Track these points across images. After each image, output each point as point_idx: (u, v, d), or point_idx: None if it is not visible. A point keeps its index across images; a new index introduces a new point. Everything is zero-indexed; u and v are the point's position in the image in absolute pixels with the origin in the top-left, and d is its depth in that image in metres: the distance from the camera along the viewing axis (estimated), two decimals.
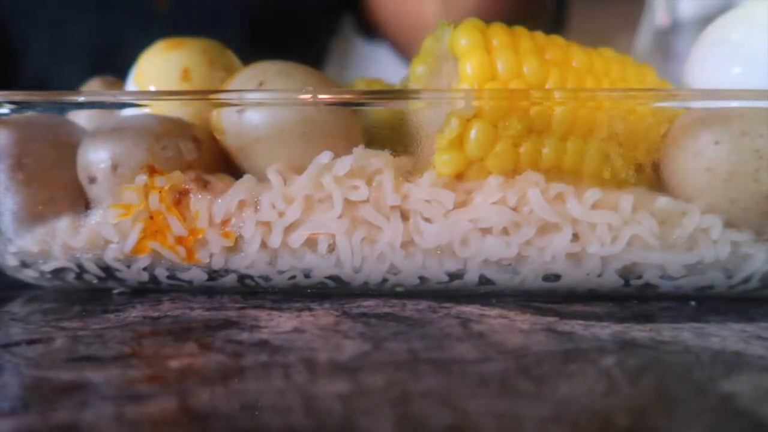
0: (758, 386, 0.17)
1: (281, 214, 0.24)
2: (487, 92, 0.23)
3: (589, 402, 0.16)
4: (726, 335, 0.21)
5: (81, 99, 0.26)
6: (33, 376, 0.18)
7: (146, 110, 0.26)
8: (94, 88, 0.34)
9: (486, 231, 0.24)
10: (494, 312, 0.24)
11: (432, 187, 0.24)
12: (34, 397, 0.16)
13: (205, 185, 0.25)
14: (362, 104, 0.25)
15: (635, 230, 0.24)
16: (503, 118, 0.23)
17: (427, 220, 0.24)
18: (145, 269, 0.26)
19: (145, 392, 0.16)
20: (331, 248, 0.25)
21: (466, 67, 0.23)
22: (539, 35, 0.26)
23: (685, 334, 0.21)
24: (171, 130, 0.25)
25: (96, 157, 0.25)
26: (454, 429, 0.15)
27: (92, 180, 0.25)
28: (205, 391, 0.16)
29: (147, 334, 0.21)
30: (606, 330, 0.22)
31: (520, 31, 0.25)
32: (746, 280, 0.24)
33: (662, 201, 0.24)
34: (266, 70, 0.27)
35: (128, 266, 0.26)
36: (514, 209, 0.24)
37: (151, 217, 0.25)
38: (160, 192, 0.24)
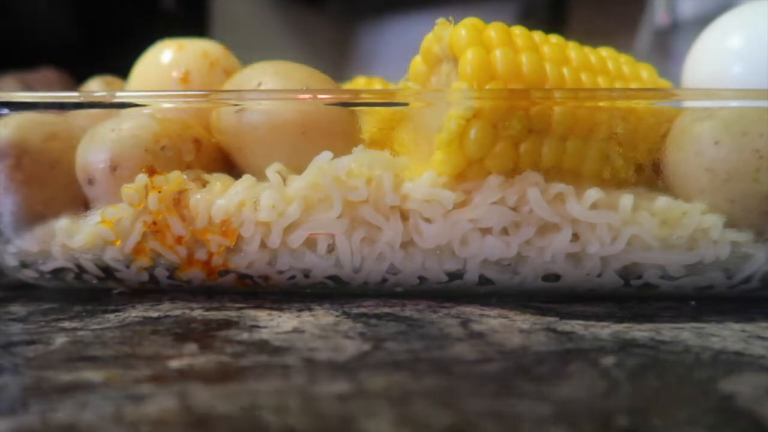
0: (758, 386, 0.17)
1: (281, 214, 0.24)
2: (487, 92, 0.23)
3: (589, 402, 0.16)
4: (726, 335, 0.21)
5: (81, 99, 0.26)
6: (33, 376, 0.18)
7: (146, 110, 0.26)
8: (94, 88, 0.34)
9: (485, 231, 0.24)
10: (494, 312, 0.24)
11: (432, 187, 0.24)
12: (34, 397, 0.16)
13: (204, 185, 0.25)
14: (362, 104, 0.25)
15: (635, 230, 0.24)
16: (503, 118, 0.23)
17: (427, 220, 0.24)
18: (145, 269, 0.26)
19: (145, 392, 0.16)
20: (331, 248, 0.25)
21: (466, 66, 0.23)
22: (539, 34, 0.26)
23: (685, 334, 0.21)
24: (170, 130, 0.25)
25: (95, 158, 0.25)
26: (454, 429, 0.15)
27: (91, 180, 0.25)
28: (205, 391, 0.16)
29: (147, 334, 0.21)
30: (606, 330, 0.22)
31: (520, 30, 0.25)
32: (746, 280, 0.24)
33: (662, 201, 0.24)
34: (265, 70, 0.27)
35: (128, 266, 0.26)
36: (514, 209, 0.24)
37: (154, 223, 0.25)
38: (159, 192, 0.24)
